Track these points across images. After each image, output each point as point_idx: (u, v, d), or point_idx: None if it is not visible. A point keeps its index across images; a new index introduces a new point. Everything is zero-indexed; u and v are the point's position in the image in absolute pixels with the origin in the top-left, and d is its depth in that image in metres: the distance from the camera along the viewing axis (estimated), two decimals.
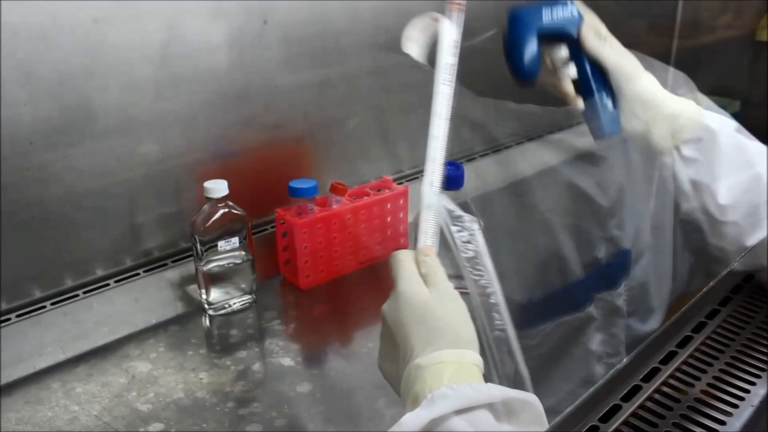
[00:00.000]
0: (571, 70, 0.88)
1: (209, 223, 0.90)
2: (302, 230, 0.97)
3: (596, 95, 0.87)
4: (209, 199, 0.91)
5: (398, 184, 1.11)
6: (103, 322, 0.92)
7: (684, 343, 0.76)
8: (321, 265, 1.01)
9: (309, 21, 1.07)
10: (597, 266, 0.93)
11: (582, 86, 0.88)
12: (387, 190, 1.07)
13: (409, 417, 0.51)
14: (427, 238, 0.66)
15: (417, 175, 1.31)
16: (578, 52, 0.87)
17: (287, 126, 1.11)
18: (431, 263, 0.63)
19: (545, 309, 0.86)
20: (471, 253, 0.64)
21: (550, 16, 0.85)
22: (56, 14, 0.82)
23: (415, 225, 0.92)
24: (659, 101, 0.87)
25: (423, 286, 0.61)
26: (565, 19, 0.86)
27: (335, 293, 1.01)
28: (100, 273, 0.97)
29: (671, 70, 0.94)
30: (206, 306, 0.94)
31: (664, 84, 0.91)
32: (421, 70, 1.25)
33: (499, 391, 0.53)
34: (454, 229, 0.65)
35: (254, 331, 0.92)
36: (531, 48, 0.84)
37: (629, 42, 0.93)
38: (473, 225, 0.64)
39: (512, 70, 0.86)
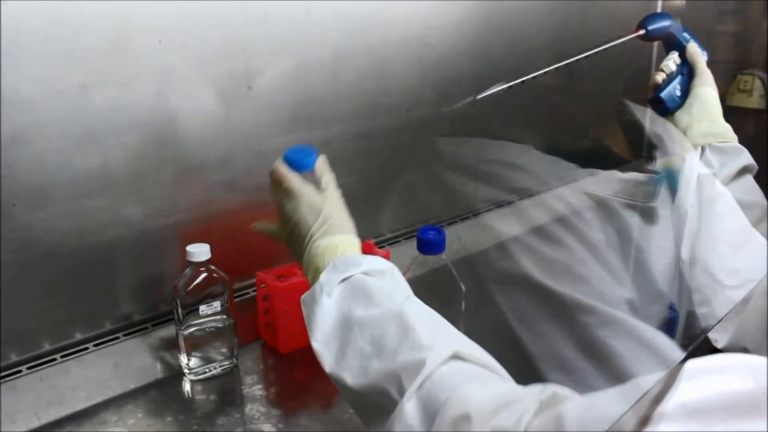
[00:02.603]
0: (671, 65, 1.16)
1: (191, 287, 0.90)
2: (283, 294, 0.97)
3: (678, 79, 1.16)
4: (191, 262, 0.91)
5: (380, 248, 1.11)
6: (80, 387, 0.90)
7: None
8: (301, 329, 1.00)
9: (292, 87, 1.09)
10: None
11: (671, 74, 1.17)
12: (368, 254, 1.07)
13: (325, 278, 0.71)
14: None
15: (398, 238, 1.32)
16: (684, 63, 1.17)
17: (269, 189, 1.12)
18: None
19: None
20: None
21: (682, 29, 1.19)
22: (44, 80, 0.84)
23: None
24: (713, 108, 1.11)
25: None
26: (689, 34, 1.19)
27: (315, 357, 1.01)
28: (78, 336, 0.96)
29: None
30: (186, 371, 0.93)
31: None
32: (402, 135, 1.28)
33: (387, 262, 0.72)
34: None
35: (235, 396, 0.91)
36: (665, 22, 1.17)
37: (606, 104, 0.99)
38: None
39: (645, 21, 1.16)
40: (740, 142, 1.08)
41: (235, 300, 1.05)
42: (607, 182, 1.34)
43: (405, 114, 1.28)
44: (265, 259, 0.99)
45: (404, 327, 0.61)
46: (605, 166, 1.49)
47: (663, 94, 1.15)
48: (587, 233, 1.08)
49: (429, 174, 1.26)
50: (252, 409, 0.88)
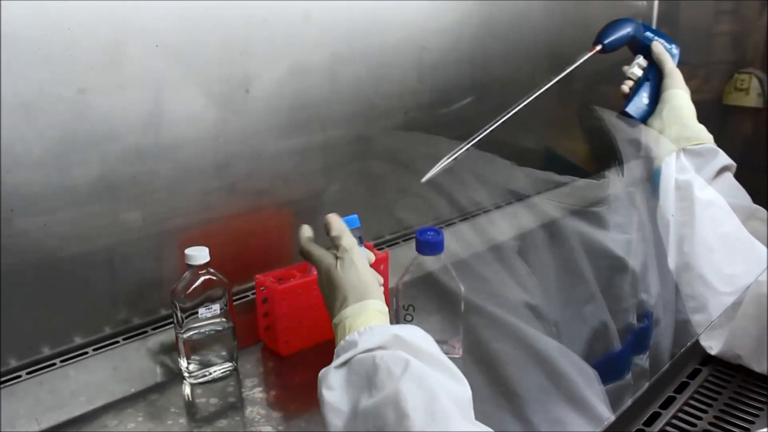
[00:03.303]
0: (637, 71, 1.13)
1: (190, 290, 0.90)
2: (282, 296, 0.97)
3: (645, 85, 1.11)
4: (190, 266, 0.91)
5: (379, 249, 1.11)
6: (80, 392, 0.90)
7: (666, 404, 0.77)
8: (301, 331, 1.01)
9: (290, 90, 1.09)
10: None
11: (638, 81, 1.12)
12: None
13: (324, 369, 0.68)
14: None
15: (397, 240, 1.33)
16: (651, 64, 1.13)
17: (269, 192, 1.12)
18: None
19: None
20: None
21: (644, 29, 1.15)
22: (42, 84, 0.84)
23: (397, 290, 0.93)
24: (684, 110, 1.07)
25: (331, 257, 0.78)
26: (652, 33, 1.14)
27: (315, 359, 1.00)
28: (78, 341, 0.96)
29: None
30: (186, 374, 0.93)
31: None
32: (399, 138, 1.28)
33: (387, 330, 0.68)
34: None
35: (235, 399, 0.91)
36: (623, 30, 1.13)
37: (603, 104, 1.00)
38: None
39: (600, 35, 1.14)
40: (738, 140, 1.07)
41: (235, 303, 1.05)
42: (543, 184, 1.32)
43: (403, 117, 1.28)
44: (265, 262, 0.99)
45: (399, 414, 0.60)
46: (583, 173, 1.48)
47: (629, 108, 1.10)
48: (499, 237, 1.08)
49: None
50: (252, 411, 0.88)
